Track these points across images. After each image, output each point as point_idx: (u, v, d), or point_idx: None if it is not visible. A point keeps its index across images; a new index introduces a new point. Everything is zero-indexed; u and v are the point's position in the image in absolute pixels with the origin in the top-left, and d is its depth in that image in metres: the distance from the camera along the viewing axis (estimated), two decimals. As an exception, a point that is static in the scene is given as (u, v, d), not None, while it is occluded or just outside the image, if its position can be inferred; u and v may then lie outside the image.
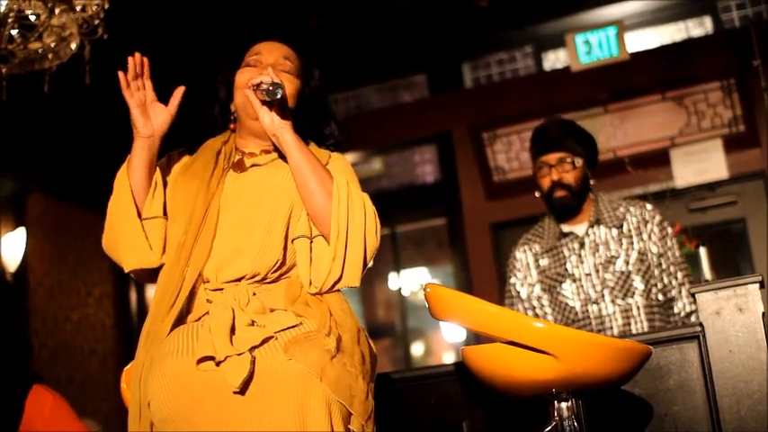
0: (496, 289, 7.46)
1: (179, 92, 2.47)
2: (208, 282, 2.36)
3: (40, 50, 3.93)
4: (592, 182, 3.78)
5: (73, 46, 3.98)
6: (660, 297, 3.66)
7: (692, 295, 2.96)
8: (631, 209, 3.75)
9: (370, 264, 2.41)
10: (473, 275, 7.88)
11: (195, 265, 2.34)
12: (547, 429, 2.51)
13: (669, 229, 3.76)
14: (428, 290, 2.56)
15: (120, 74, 2.42)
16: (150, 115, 2.45)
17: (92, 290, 7.98)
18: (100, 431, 7.31)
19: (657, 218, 3.74)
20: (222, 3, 6.50)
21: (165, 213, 2.46)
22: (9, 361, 3.92)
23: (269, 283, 2.37)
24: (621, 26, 7.13)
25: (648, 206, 3.79)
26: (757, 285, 2.84)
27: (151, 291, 2.47)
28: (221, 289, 2.34)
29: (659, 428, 2.93)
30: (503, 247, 7.61)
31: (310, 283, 2.37)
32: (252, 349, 2.17)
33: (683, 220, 6.79)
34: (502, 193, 7.84)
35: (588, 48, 7.15)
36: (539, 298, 3.79)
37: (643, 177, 7.28)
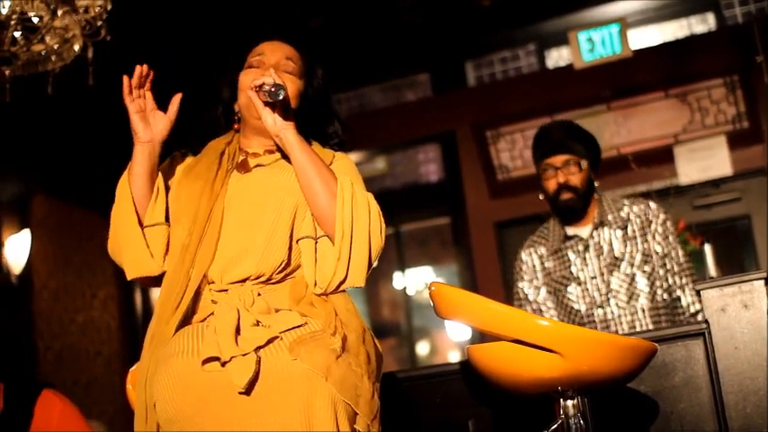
0: (501, 287, 7.46)
1: (177, 98, 2.47)
2: (213, 283, 2.36)
3: (43, 52, 3.93)
4: (596, 183, 3.78)
5: (76, 48, 3.98)
6: (665, 297, 3.66)
7: (698, 293, 2.96)
8: (635, 209, 3.74)
9: (375, 264, 2.41)
10: (477, 274, 7.88)
11: (200, 266, 2.34)
12: (553, 427, 2.51)
13: (673, 228, 3.76)
14: (433, 289, 2.56)
15: (125, 78, 2.42)
16: (150, 121, 2.46)
17: (96, 292, 7.98)
18: (106, 433, 7.31)
19: (661, 217, 3.73)
20: (224, 3, 6.50)
21: (167, 220, 2.46)
22: (14, 363, 3.93)
23: (274, 283, 2.37)
24: (624, 23, 7.12)
25: (652, 205, 3.78)
26: (762, 282, 2.84)
27: (156, 292, 2.46)
28: (226, 290, 2.34)
29: (665, 425, 2.93)
30: (507, 246, 7.61)
31: (315, 284, 2.37)
32: (257, 349, 2.17)
33: (688, 217, 6.78)
34: (506, 192, 7.84)
35: (591, 45, 7.14)
36: (545, 301, 3.79)
37: (647, 174, 7.27)
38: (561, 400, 2.50)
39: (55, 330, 7.41)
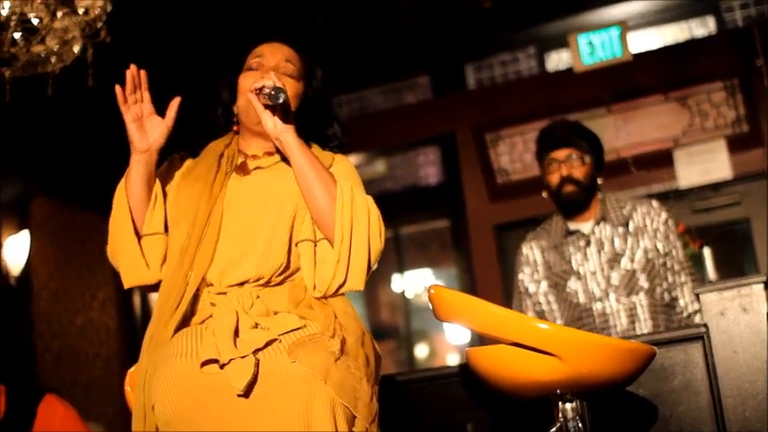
0: (500, 290, 7.46)
1: (175, 103, 2.46)
2: (211, 285, 2.36)
3: (42, 53, 3.93)
4: (599, 181, 3.81)
5: (76, 49, 3.98)
6: (666, 296, 3.67)
7: (697, 296, 2.96)
8: (638, 207, 3.78)
9: (375, 267, 2.40)
10: (477, 277, 7.87)
11: (198, 269, 2.34)
12: (551, 431, 2.51)
13: (674, 227, 3.78)
14: (432, 291, 2.56)
15: (117, 88, 2.41)
16: (147, 129, 2.44)
17: (96, 293, 7.98)
18: (104, 434, 7.31)
19: (663, 215, 3.75)
20: (224, 4, 6.50)
21: (165, 228, 2.46)
22: (14, 365, 3.93)
23: (273, 286, 2.37)
24: (624, 27, 7.13)
25: (655, 204, 3.81)
26: (761, 285, 2.84)
27: (155, 295, 2.46)
28: (225, 293, 2.33)
29: (664, 429, 2.93)
30: (506, 249, 7.61)
31: (314, 288, 2.36)
32: (256, 352, 2.17)
33: (687, 221, 6.79)
34: (505, 195, 7.83)
35: (591, 48, 7.14)
36: (545, 294, 3.81)
37: (646, 178, 7.28)
38: (560, 403, 2.50)
39: (54, 331, 7.41)
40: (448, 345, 8.93)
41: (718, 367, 2.84)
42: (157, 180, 2.48)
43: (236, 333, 2.21)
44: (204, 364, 2.17)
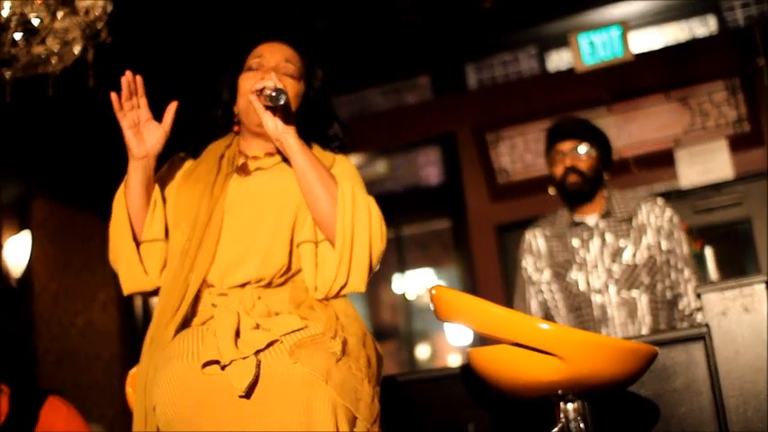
0: (501, 290, 7.45)
1: (172, 108, 2.45)
2: (212, 287, 2.36)
3: (43, 54, 3.92)
4: (606, 177, 3.84)
5: (76, 50, 3.97)
6: (667, 293, 3.68)
7: (698, 294, 2.96)
8: (643, 204, 3.81)
9: (377, 268, 2.40)
10: (478, 277, 7.87)
11: (199, 271, 2.34)
12: (553, 431, 2.50)
13: (679, 225, 3.79)
14: (434, 292, 2.55)
15: (113, 95, 2.40)
16: (144, 135, 2.44)
17: (97, 294, 7.97)
18: (105, 435, 7.31)
19: (668, 213, 3.77)
20: (224, 5, 6.50)
21: (166, 234, 2.46)
22: (16, 367, 3.94)
23: (274, 287, 2.36)
24: (625, 26, 7.12)
25: (660, 201, 3.84)
26: (763, 285, 2.83)
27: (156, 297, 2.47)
28: (226, 294, 2.33)
29: (666, 429, 2.93)
30: (507, 249, 7.60)
31: (316, 289, 2.36)
32: (257, 353, 2.17)
33: (689, 221, 6.77)
34: (506, 195, 7.83)
35: (592, 48, 7.13)
36: (549, 283, 3.83)
37: (648, 178, 7.27)
38: (561, 403, 2.49)
39: (55, 333, 7.40)
40: (449, 345, 8.91)
41: (719, 367, 2.83)
42: (157, 185, 2.48)
43: (238, 334, 2.21)
44: (205, 365, 2.16)
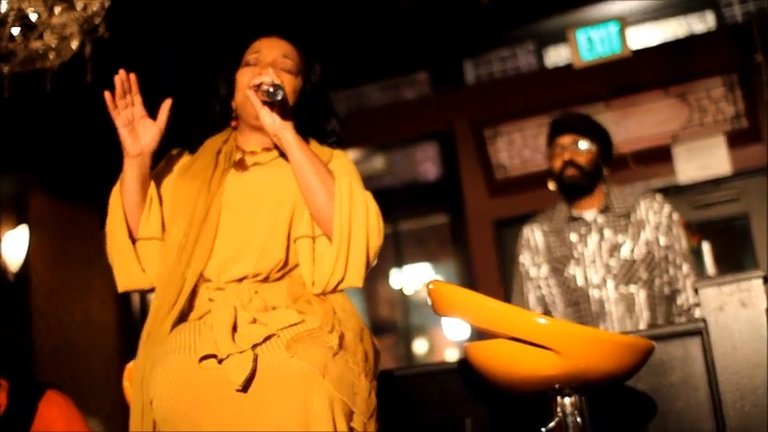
0: (499, 285, 7.45)
1: (166, 105, 2.45)
2: (209, 281, 2.36)
3: (41, 49, 3.92)
4: (605, 172, 3.85)
5: (74, 45, 3.97)
6: (666, 289, 3.68)
7: (696, 289, 2.96)
8: (641, 200, 3.81)
9: (374, 263, 2.40)
10: (476, 272, 7.87)
11: (196, 266, 2.34)
12: (550, 425, 2.51)
13: (678, 222, 3.79)
14: (431, 286, 2.56)
15: (107, 94, 2.40)
16: (139, 133, 2.43)
17: (94, 289, 7.97)
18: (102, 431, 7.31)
19: (667, 209, 3.78)
20: (224, 3, 6.49)
21: (162, 231, 2.46)
22: (15, 361, 3.94)
23: (271, 282, 2.37)
24: (623, 22, 7.12)
25: (659, 197, 3.84)
26: (760, 280, 2.84)
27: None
28: (223, 288, 2.33)
29: (662, 424, 2.93)
30: (505, 244, 7.60)
31: (313, 284, 2.36)
32: (254, 347, 2.17)
33: (686, 216, 6.76)
34: (504, 191, 7.83)
35: (590, 44, 7.13)
36: (546, 278, 3.83)
37: (646, 173, 7.27)
38: (558, 397, 2.50)
39: (52, 327, 7.40)
40: (447, 340, 8.92)
41: (716, 362, 2.84)
42: (153, 182, 2.48)
43: (235, 328, 2.21)
44: (202, 359, 2.17)
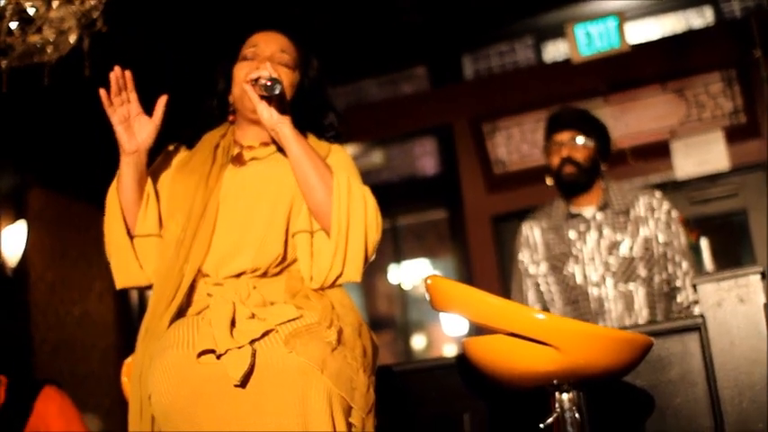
0: (497, 281, 7.46)
1: (162, 102, 2.44)
2: (208, 276, 2.36)
3: (38, 43, 3.91)
4: (603, 168, 3.83)
5: (72, 39, 3.96)
6: (664, 286, 3.68)
7: (694, 287, 2.96)
8: (640, 196, 3.80)
9: (372, 258, 2.40)
10: (474, 268, 7.87)
11: (194, 261, 2.34)
12: (548, 421, 2.51)
13: (677, 219, 3.79)
14: (429, 281, 2.56)
15: (102, 92, 2.39)
16: (135, 129, 2.43)
17: (93, 284, 7.97)
18: (100, 428, 7.31)
19: (666, 206, 3.77)
20: (223, 2, 6.48)
21: (160, 228, 2.46)
22: (13, 357, 3.95)
23: (270, 277, 2.36)
24: (622, 17, 7.11)
25: (658, 194, 3.83)
26: (759, 276, 2.84)
27: (152, 288, 2.47)
28: (221, 284, 2.33)
29: (661, 420, 2.93)
30: (504, 240, 7.60)
31: (312, 279, 2.36)
32: (252, 342, 2.17)
33: (684, 212, 6.76)
34: (502, 186, 7.83)
35: (589, 39, 7.13)
36: (545, 276, 3.83)
37: (644, 169, 7.27)
38: (557, 393, 2.50)
39: (51, 323, 7.40)
40: (445, 336, 8.92)
41: (715, 358, 2.84)
42: (149, 179, 2.48)
43: (233, 323, 2.21)
44: (201, 354, 2.17)
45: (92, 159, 6.79)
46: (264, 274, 2.35)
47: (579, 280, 3.72)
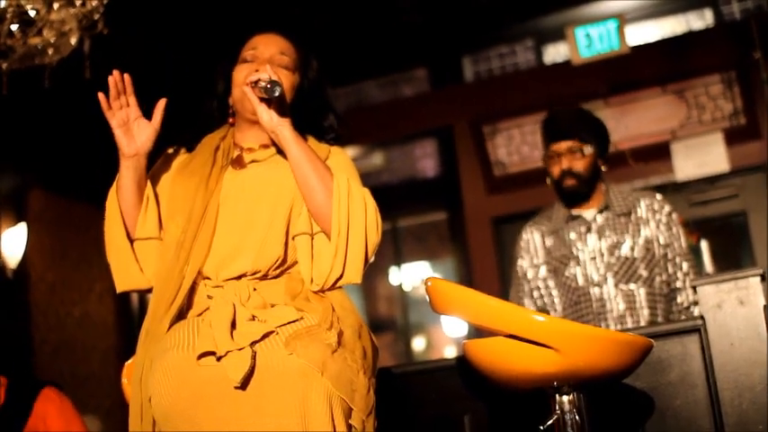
0: (498, 283, 7.46)
1: (161, 105, 2.44)
2: (208, 279, 2.35)
3: (39, 45, 3.92)
4: (603, 169, 3.81)
5: (72, 41, 3.97)
6: (664, 288, 3.68)
7: (694, 289, 2.96)
8: (641, 198, 3.79)
9: (372, 260, 2.40)
10: (474, 269, 7.88)
11: (194, 263, 2.34)
12: (548, 423, 2.51)
13: (677, 221, 3.79)
14: (429, 284, 2.56)
15: (101, 96, 2.39)
16: (134, 133, 2.43)
17: (93, 285, 7.97)
18: (100, 429, 7.31)
19: (667, 208, 3.77)
20: (223, 2, 6.48)
21: (160, 231, 2.46)
22: (14, 357, 3.95)
23: (270, 279, 2.36)
24: (622, 19, 7.12)
25: (659, 196, 3.83)
26: (758, 278, 2.84)
27: (152, 290, 2.46)
28: (221, 286, 2.33)
29: (661, 422, 2.93)
30: (504, 241, 7.61)
31: (312, 281, 2.36)
32: (253, 344, 2.17)
33: (684, 214, 6.77)
34: (503, 188, 7.83)
35: (589, 41, 7.14)
36: (545, 279, 3.82)
37: (644, 170, 7.28)
38: (557, 395, 2.50)
39: (51, 324, 7.40)
40: (445, 337, 8.93)
41: (714, 360, 2.84)
42: (149, 182, 2.48)
43: (233, 325, 2.21)
44: (201, 356, 2.17)
45: (92, 160, 6.79)
46: (265, 277, 2.35)
47: (581, 281, 3.71)
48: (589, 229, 3.76)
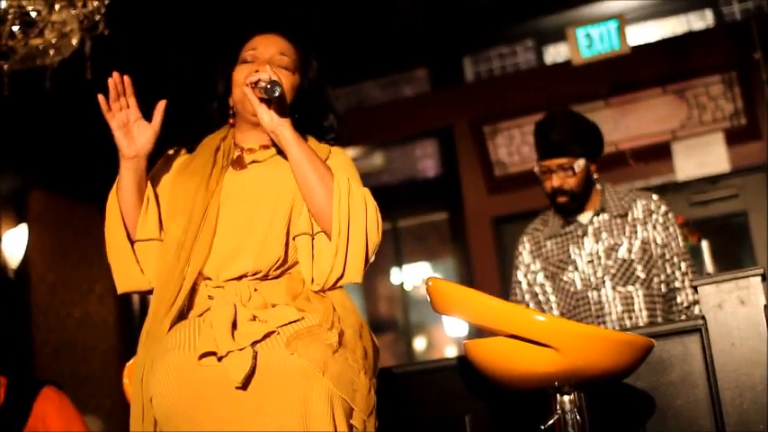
0: (498, 283, 7.46)
1: (161, 107, 2.44)
2: (209, 279, 2.35)
3: (40, 46, 3.92)
4: (596, 175, 3.77)
5: (74, 42, 3.97)
6: (663, 288, 3.67)
7: (695, 289, 2.96)
8: (638, 199, 3.77)
9: (372, 259, 2.40)
10: (475, 269, 7.88)
11: (195, 264, 2.33)
12: (549, 422, 2.51)
13: (674, 221, 3.78)
14: (430, 284, 2.56)
15: (100, 97, 2.39)
16: (134, 134, 2.42)
17: (94, 286, 7.98)
18: (101, 430, 7.32)
19: (663, 208, 3.75)
20: (223, 2, 6.48)
21: (161, 232, 2.46)
22: (14, 358, 3.95)
23: (270, 279, 2.37)
24: (622, 20, 7.13)
25: (655, 196, 3.81)
26: (759, 278, 2.84)
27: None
28: (222, 286, 2.33)
29: (661, 421, 2.93)
30: (504, 242, 7.62)
31: (312, 281, 2.36)
32: (254, 344, 2.17)
33: (685, 214, 6.79)
34: (503, 188, 7.84)
35: (589, 41, 7.14)
36: (542, 285, 3.81)
37: (644, 171, 7.29)
38: (558, 395, 2.50)
39: (52, 324, 7.41)
40: (446, 337, 8.93)
41: (715, 360, 2.84)
42: (150, 183, 2.48)
43: (234, 326, 2.21)
44: (202, 356, 2.17)
45: (92, 161, 6.80)
46: (265, 277, 2.35)
47: (579, 285, 3.70)
48: (585, 233, 3.74)
